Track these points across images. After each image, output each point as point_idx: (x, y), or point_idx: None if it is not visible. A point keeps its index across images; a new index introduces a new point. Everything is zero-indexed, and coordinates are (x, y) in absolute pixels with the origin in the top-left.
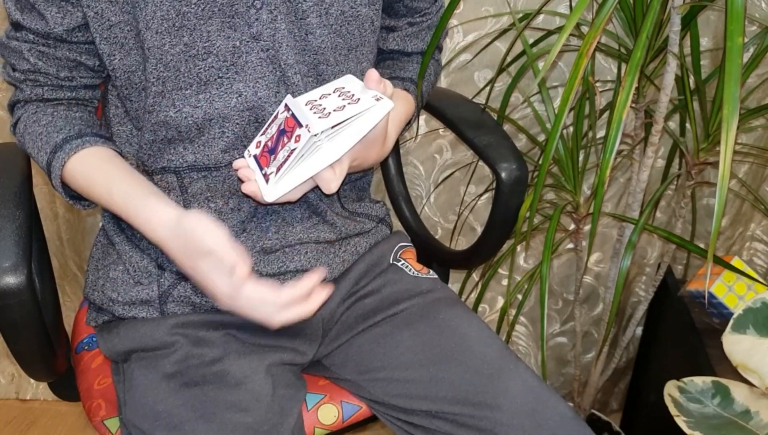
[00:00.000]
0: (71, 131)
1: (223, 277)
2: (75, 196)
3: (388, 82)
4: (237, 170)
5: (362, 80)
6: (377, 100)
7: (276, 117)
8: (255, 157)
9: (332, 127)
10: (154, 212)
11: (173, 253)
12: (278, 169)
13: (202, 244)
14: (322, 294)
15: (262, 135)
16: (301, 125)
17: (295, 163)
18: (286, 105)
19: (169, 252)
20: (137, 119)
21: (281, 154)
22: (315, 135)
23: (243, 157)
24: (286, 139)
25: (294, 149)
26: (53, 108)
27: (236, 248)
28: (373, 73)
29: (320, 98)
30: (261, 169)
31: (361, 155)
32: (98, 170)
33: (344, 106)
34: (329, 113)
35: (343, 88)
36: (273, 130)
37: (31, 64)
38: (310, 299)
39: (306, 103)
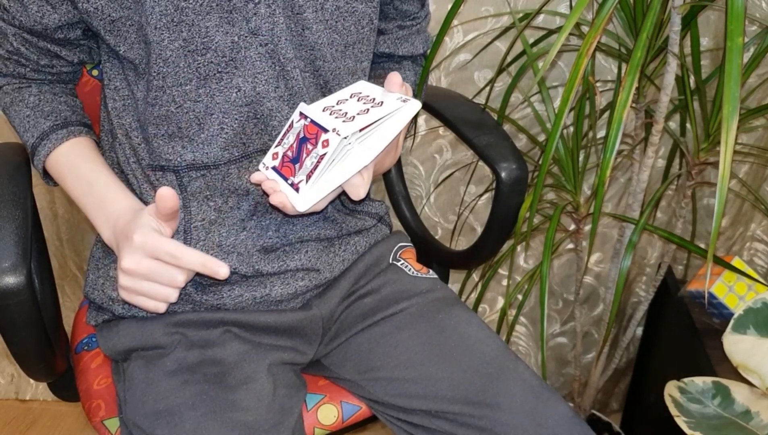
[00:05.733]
0: (57, 119)
1: (146, 228)
2: (50, 176)
3: (408, 86)
4: (258, 185)
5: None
6: (403, 101)
7: (291, 126)
8: (275, 168)
9: (360, 130)
10: (125, 195)
11: (119, 222)
12: (308, 177)
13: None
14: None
15: (277, 146)
16: (326, 130)
17: (327, 168)
18: (301, 113)
19: (114, 219)
20: (142, 111)
21: (308, 162)
22: (345, 138)
23: (257, 169)
24: (310, 146)
25: (323, 154)
26: (38, 87)
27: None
28: (395, 76)
29: (338, 104)
30: (285, 179)
31: (378, 161)
32: (79, 169)
33: (368, 109)
34: (353, 117)
35: (360, 93)
36: (291, 139)
37: (14, 48)
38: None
39: (324, 109)
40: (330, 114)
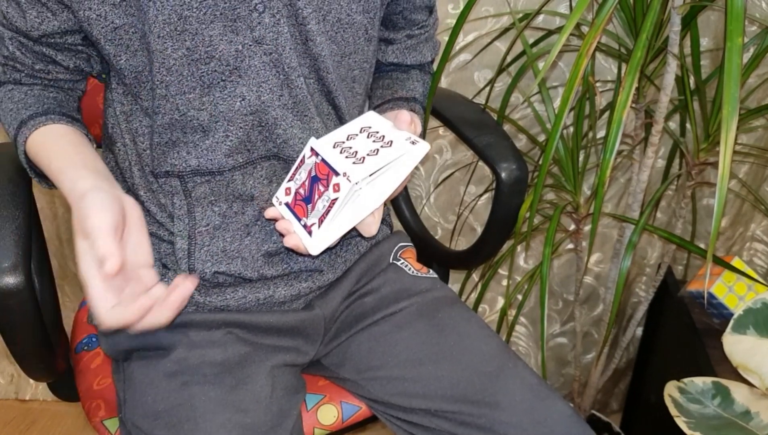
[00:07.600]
0: (39, 109)
1: (92, 264)
2: (41, 173)
3: (417, 121)
4: (272, 221)
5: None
6: (412, 142)
7: (303, 161)
8: (288, 205)
9: (370, 175)
10: (77, 180)
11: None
12: (320, 221)
13: (84, 223)
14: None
15: (290, 181)
16: (337, 173)
17: (338, 213)
18: (312, 149)
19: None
20: (149, 118)
21: (320, 205)
22: (356, 183)
23: (271, 202)
24: (321, 188)
25: (335, 199)
26: (29, 87)
27: (116, 242)
28: (404, 115)
29: (347, 139)
30: (299, 219)
31: None
32: (52, 145)
33: (377, 149)
34: (363, 158)
35: (370, 127)
36: (303, 176)
37: (9, 52)
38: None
39: (334, 146)
40: (340, 152)
